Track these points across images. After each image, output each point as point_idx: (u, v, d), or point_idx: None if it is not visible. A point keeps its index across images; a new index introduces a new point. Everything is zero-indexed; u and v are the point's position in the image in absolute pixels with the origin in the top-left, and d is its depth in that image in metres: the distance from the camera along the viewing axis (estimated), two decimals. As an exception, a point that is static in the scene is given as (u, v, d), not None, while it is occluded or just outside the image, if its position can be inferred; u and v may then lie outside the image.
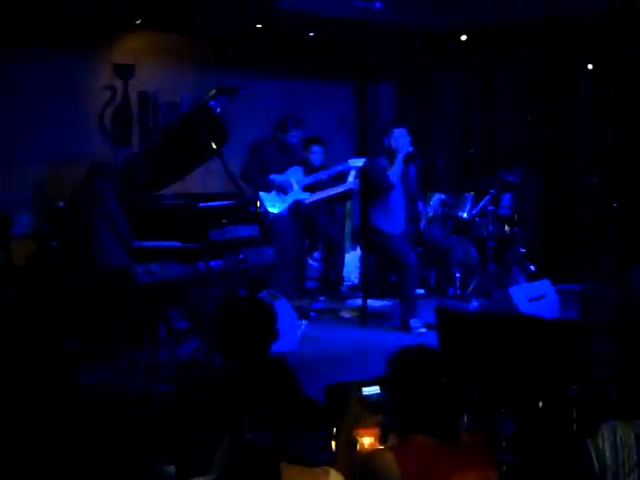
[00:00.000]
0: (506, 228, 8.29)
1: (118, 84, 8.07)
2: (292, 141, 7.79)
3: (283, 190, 7.73)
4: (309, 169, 8.07)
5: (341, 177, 8.19)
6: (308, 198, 7.88)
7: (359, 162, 7.68)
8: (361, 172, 7.53)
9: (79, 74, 7.77)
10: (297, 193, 7.81)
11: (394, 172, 6.99)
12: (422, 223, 7.29)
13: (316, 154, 8.17)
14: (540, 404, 3.87)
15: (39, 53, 7.44)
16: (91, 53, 7.86)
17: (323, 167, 8.24)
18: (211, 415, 3.03)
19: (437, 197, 8.31)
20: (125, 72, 8.07)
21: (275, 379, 2.48)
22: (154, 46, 8.26)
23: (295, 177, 7.84)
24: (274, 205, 7.67)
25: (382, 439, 3.04)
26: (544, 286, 6.85)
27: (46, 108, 7.49)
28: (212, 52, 8.57)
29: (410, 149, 7.10)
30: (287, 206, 7.76)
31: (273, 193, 7.72)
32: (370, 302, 7.57)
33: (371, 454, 2.74)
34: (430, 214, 7.97)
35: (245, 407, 2.41)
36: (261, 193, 7.64)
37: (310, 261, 8.57)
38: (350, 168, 7.99)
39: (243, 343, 3.32)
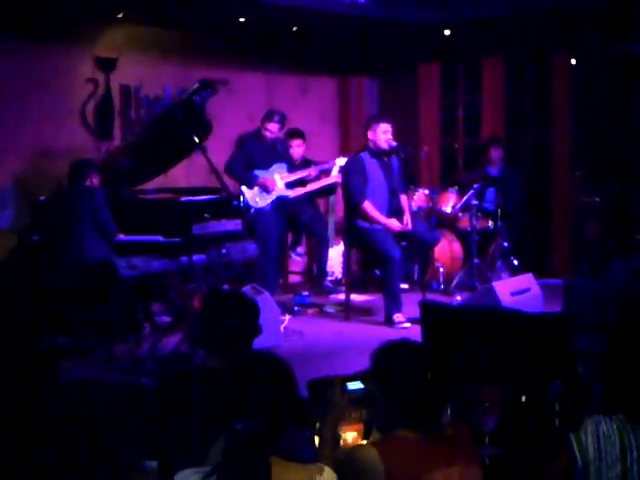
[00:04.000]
0: (490, 223, 8.30)
1: (100, 77, 8.01)
2: (267, 135, 7.76)
3: (266, 187, 7.71)
4: (293, 165, 8.06)
5: (325, 173, 8.19)
6: (292, 194, 7.86)
7: (344, 161, 7.68)
8: (342, 170, 7.52)
9: (61, 67, 7.71)
10: (280, 190, 7.78)
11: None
12: (405, 217, 7.28)
13: (295, 147, 8.16)
14: (523, 398, 3.87)
15: (20, 46, 7.37)
16: (73, 46, 7.79)
17: (305, 161, 8.22)
18: (193, 410, 3.01)
19: (421, 191, 8.31)
20: (107, 65, 8.01)
21: (262, 374, 2.45)
22: (136, 39, 8.20)
23: (279, 174, 7.81)
24: (257, 202, 7.65)
25: (365, 434, 3.03)
26: (527, 280, 6.86)
27: (27, 101, 7.43)
28: (195, 45, 8.52)
29: (394, 143, 7.09)
30: (271, 202, 7.74)
31: (256, 189, 7.69)
32: (353, 297, 7.57)
33: (354, 449, 2.72)
34: (414, 208, 7.97)
35: (233, 401, 2.38)
36: (244, 189, 7.61)
37: (293, 256, 8.55)
38: (335, 165, 8.00)
39: (225, 338, 3.30)
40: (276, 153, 7.87)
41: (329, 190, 8.31)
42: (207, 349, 3.42)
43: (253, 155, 7.76)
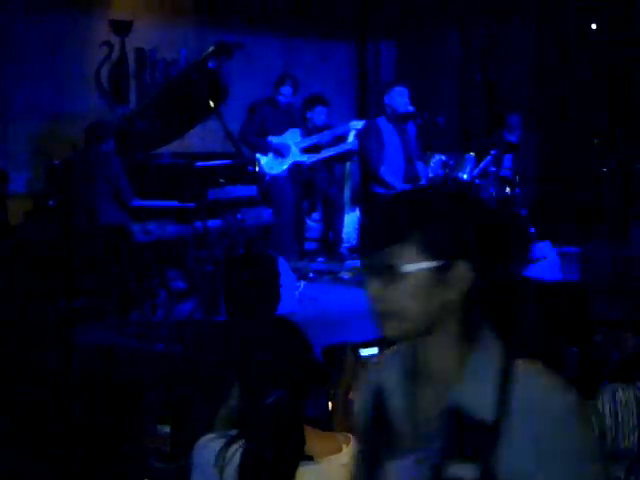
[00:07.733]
0: (507, 190, 8.21)
1: (115, 40, 7.96)
2: (281, 100, 7.68)
3: (280, 153, 7.65)
4: (310, 130, 7.98)
5: (341, 137, 8.11)
6: (307, 160, 7.80)
7: (360, 124, 7.60)
8: (360, 135, 7.45)
9: (76, 30, 7.66)
10: (295, 155, 7.72)
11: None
12: (422, 184, 7.20)
13: (320, 114, 8.09)
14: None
15: (35, 8, 7.32)
16: (88, 9, 7.74)
17: (326, 127, 8.15)
18: (206, 375, 3.00)
19: (437, 158, 8.21)
20: (122, 28, 7.95)
21: (282, 339, 2.41)
22: (152, 2, 8.13)
23: (293, 139, 7.74)
24: (272, 167, 7.60)
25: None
26: (545, 248, 6.79)
27: (42, 64, 7.39)
28: (211, 8, 8.44)
29: (410, 108, 7.01)
30: (286, 168, 7.68)
31: (270, 155, 7.63)
32: (369, 263, 7.51)
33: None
34: (430, 175, 7.89)
35: (253, 367, 2.34)
36: (258, 155, 7.55)
37: (309, 222, 8.51)
38: (350, 129, 7.92)
39: (248, 304, 3.27)
40: (290, 118, 7.80)
41: (345, 156, 8.24)
42: (228, 314, 3.41)
43: (266, 121, 7.69)
